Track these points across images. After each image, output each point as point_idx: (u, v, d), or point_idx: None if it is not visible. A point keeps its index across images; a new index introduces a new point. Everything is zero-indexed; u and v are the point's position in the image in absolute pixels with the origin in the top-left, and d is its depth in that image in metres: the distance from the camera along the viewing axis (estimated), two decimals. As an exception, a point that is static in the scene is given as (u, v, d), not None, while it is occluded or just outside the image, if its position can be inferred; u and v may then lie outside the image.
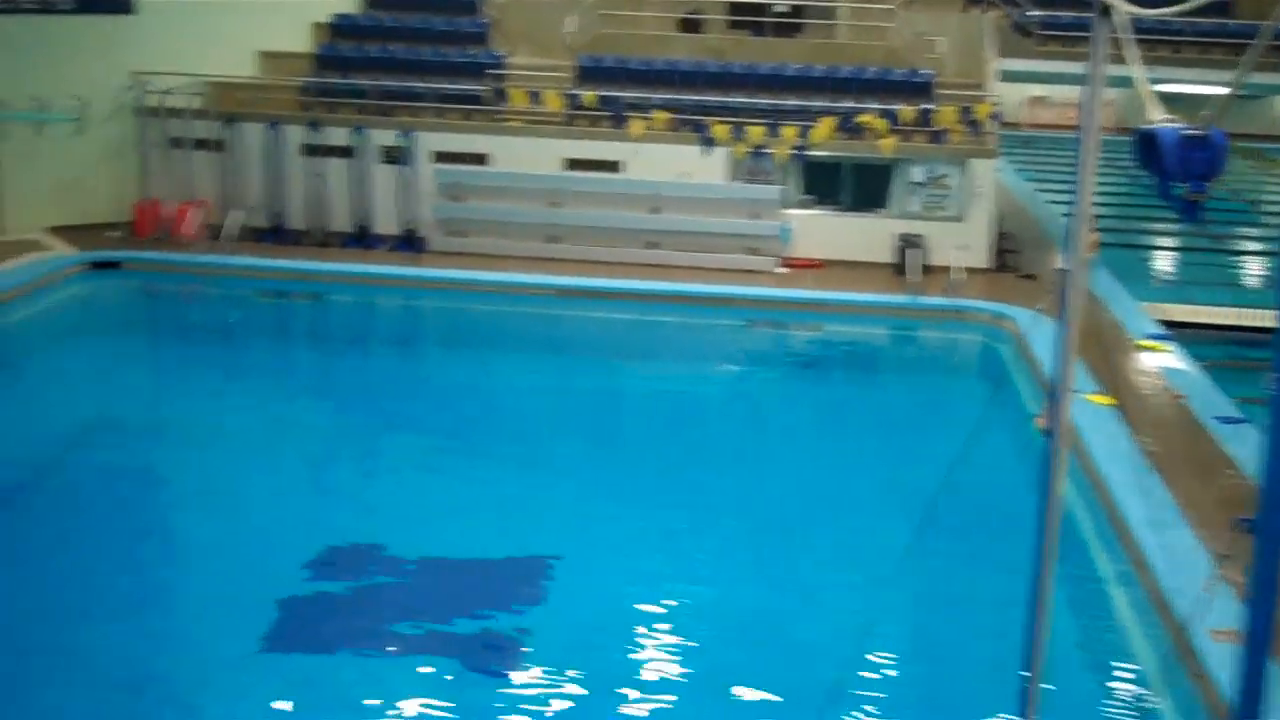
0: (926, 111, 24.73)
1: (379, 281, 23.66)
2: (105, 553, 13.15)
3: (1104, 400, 16.64)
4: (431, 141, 25.37)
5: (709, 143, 24.50)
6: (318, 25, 28.38)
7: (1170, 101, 7.66)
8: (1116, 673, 11.40)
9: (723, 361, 21.41)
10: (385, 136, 25.37)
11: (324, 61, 27.55)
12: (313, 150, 25.48)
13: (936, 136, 24.65)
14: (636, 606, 12.34)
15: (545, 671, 10.95)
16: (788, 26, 28.42)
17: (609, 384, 20.12)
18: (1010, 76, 30.05)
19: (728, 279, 23.70)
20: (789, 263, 24.60)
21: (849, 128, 24.63)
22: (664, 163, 24.89)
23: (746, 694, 10.77)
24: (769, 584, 12.94)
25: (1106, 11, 6.97)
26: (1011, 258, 25.19)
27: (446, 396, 19.01)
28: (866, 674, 10.98)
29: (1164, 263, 28.79)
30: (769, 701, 10.64)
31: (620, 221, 24.80)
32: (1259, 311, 20.16)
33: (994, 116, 24.85)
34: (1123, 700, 10.83)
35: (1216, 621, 10.20)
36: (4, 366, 20.64)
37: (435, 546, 13.25)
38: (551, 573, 12.74)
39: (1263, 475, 6.38)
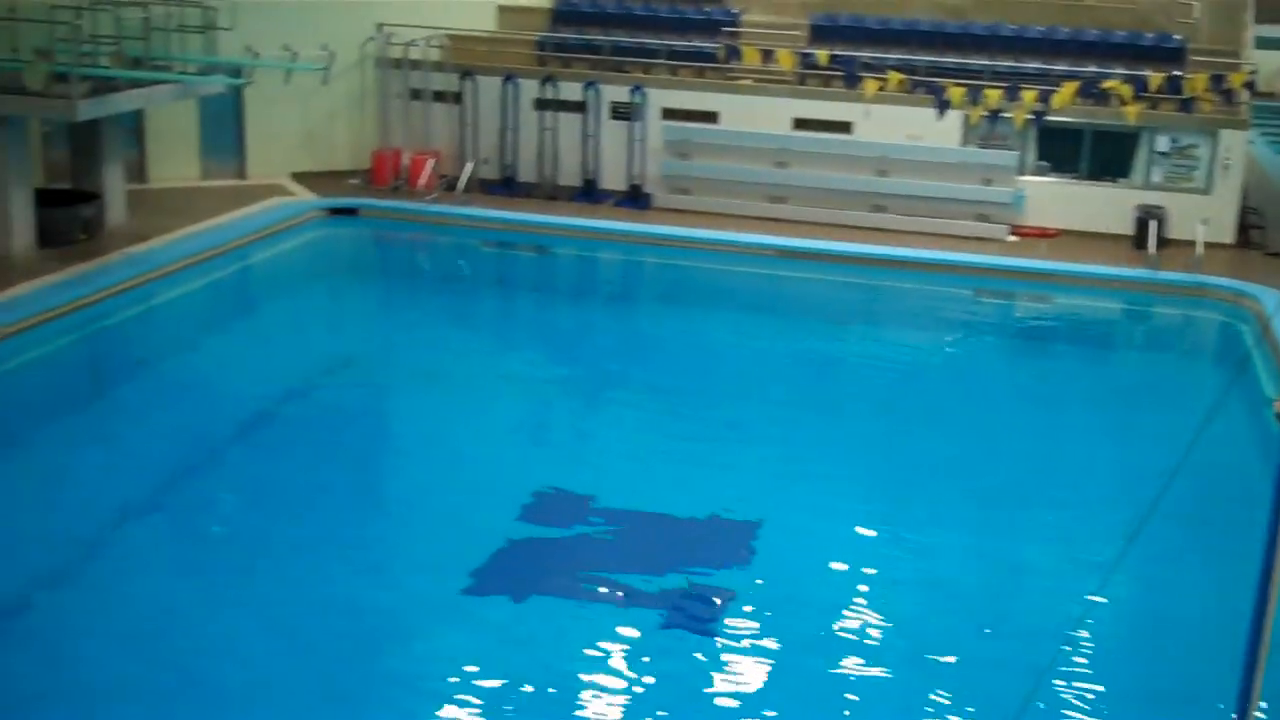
0: (1176, 78, 23.63)
1: (603, 236, 23.90)
2: (330, 488, 13.71)
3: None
4: (662, 98, 25.46)
5: (944, 105, 23.89)
6: (555, -20, 28.76)
7: None
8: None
9: (946, 330, 20.91)
10: (617, 92, 25.56)
11: (560, 16, 27.92)
12: (545, 104, 25.86)
13: (1185, 105, 23.55)
14: (842, 571, 12.27)
15: (747, 632, 10.96)
16: (1032, -14, 27.53)
17: (827, 348, 19.92)
18: (1265, 44, 28.51)
19: (956, 246, 23.19)
20: (1019, 231, 23.93)
21: (1092, 93, 23.72)
22: (895, 124, 24.45)
23: (948, 666, 10.58)
24: (979, 557, 12.67)
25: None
26: (1258, 234, 24.04)
27: (664, 354, 19.11)
28: (1079, 659, 10.65)
29: None
30: (971, 676, 10.42)
31: (847, 184, 24.47)
32: None
33: (1248, 85, 23.63)
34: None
35: None
36: (247, 306, 21.68)
37: (645, 501, 13.37)
38: (759, 532, 12.73)
39: None
